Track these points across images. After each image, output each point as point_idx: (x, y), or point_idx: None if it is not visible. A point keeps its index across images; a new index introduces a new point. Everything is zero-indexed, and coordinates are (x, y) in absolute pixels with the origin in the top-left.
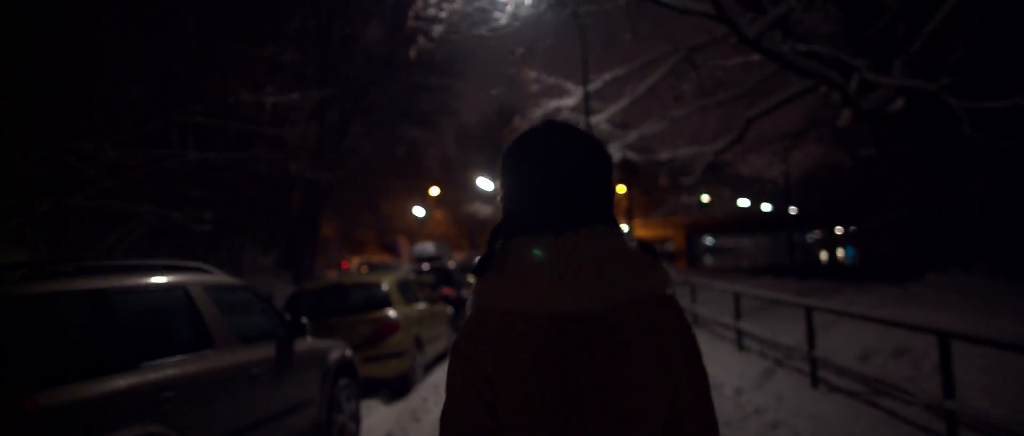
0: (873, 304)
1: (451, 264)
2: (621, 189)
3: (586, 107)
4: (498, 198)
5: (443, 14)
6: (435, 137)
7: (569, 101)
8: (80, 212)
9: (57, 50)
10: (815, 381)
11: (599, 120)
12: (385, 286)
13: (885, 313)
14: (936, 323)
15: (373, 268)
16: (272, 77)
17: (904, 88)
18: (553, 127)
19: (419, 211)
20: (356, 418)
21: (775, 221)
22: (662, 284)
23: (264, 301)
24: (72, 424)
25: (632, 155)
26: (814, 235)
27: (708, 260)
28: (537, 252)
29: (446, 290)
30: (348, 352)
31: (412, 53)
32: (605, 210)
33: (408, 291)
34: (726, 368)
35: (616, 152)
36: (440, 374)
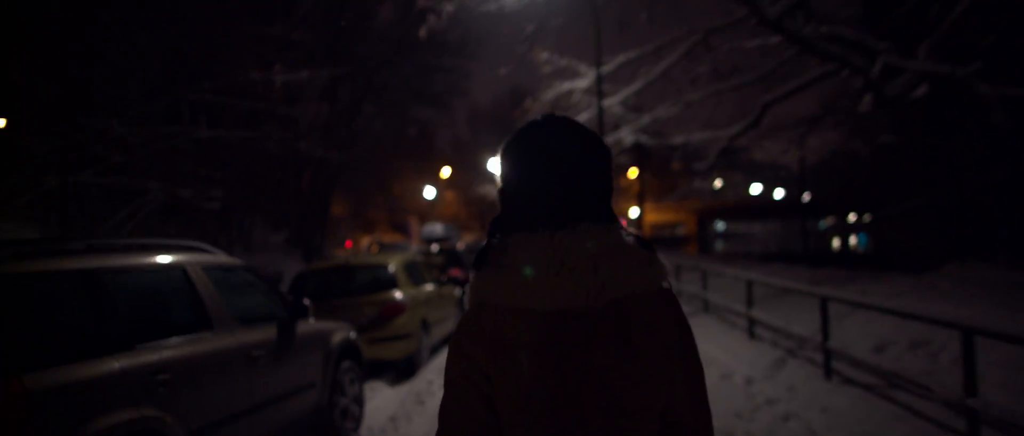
0: (889, 294)
1: (460, 246)
2: (633, 173)
3: (599, 89)
4: (497, 191)
5: None
6: (447, 118)
7: (582, 83)
8: (89, 189)
9: (67, 28)
10: (828, 373)
11: (612, 103)
12: (392, 267)
13: (905, 305)
14: (960, 318)
15: (384, 248)
16: (282, 56)
17: (931, 73)
18: (553, 122)
19: (430, 192)
20: (360, 401)
21: (788, 207)
22: (659, 278)
23: (265, 282)
24: (61, 407)
25: (645, 139)
26: (827, 222)
27: (719, 245)
28: (528, 271)
29: (455, 272)
30: (352, 334)
31: (422, 32)
32: (603, 207)
33: (415, 273)
34: (737, 357)
35: (629, 136)
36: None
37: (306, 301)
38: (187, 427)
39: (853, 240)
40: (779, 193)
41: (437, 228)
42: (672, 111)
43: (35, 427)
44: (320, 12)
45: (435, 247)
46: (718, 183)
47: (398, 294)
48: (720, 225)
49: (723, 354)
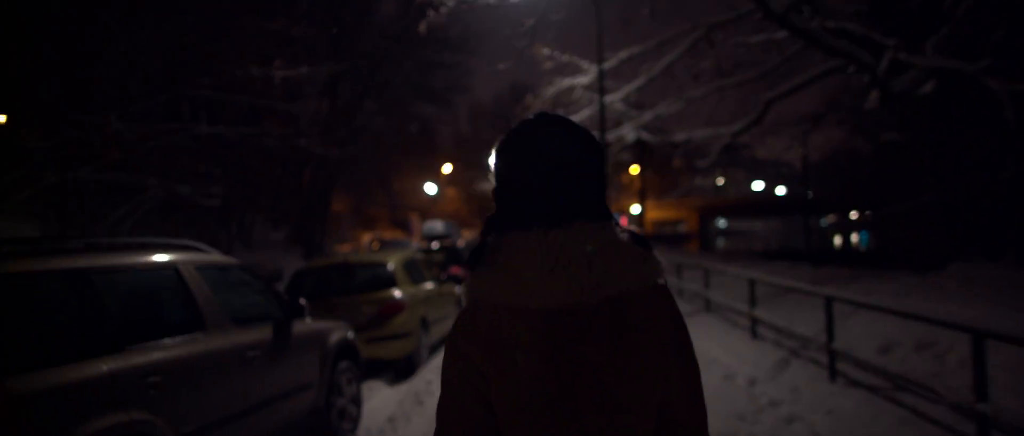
0: (894, 294)
1: (460, 243)
2: (635, 170)
3: (601, 86)
4: (491, 190)
5: None
6: (448, 114)
7: (583, 79)
8: (89, 185)
9: (67, 24)
10: (833, 374)
11: (614, 99)
12: (391, 265)
13: (913, 306)
14: (970, 321)
15: (385, 245)
16: (283, 51)
17: (939, 69)
18: (545, 120)
19: (431, 188)
20: (357, 401)
21: (789, 205)
22: (654, 275)
23: (261, 281)
24: (46, 411)
25: (647, 136)
26: (828, 220)
27: (720, 243)
28: (525, 270)
29: (455, 269)
30: (350, 334)
31: (422, 27)
32: (597, 204)
33: (414, 270)
34: (739, 357)
35: (630, 133)
36: None
37: (302, 300)
38: (178, 430)
39: (854, 238)
40: (781, 190)
41: (437, 225)
42: (674, 108)
43: (18, 432)
44: (322, 7)
45: (436, 244)
46: (720, 180)
47: (397, 292)
48: (721, 222)
49: (725, 354)
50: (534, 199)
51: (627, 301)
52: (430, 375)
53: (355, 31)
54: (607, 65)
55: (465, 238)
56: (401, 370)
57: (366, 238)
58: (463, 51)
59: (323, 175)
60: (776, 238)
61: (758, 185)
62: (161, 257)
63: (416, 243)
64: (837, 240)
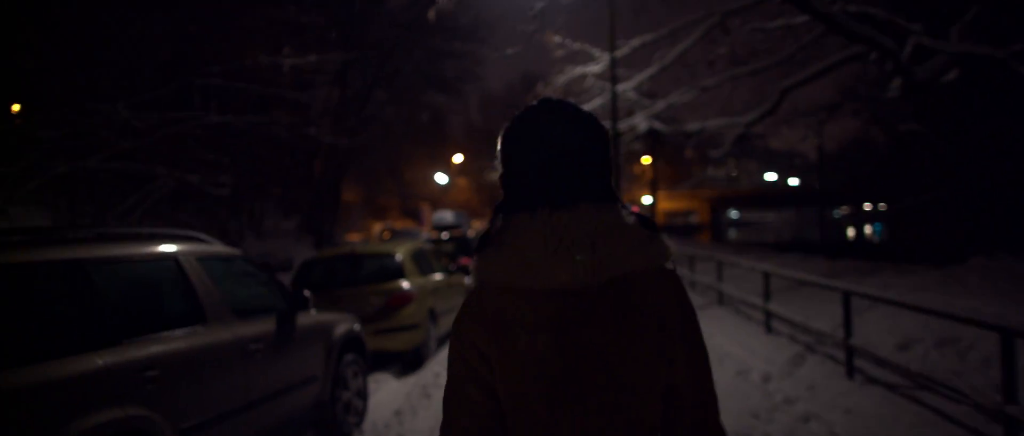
0: (913, 288)
1: (471, 233)
2: (646, 160)
3: (613, 74)
4: (498, 176)
5: None
6: (459, 104)
7: (594, 68)
8: (98, 174)
9: (74, 9)
10: (851, 371)
11: (626, 88)
12: (399, 256)
13: (936, 303)
14: (999, 319)
15: (396, 235)
16: (293, 39)
17: (965, 55)
18: (549, 104)
19: (442, 178)
20: (363, 395)
21: (803, 196)
22: (660, 257)
23: (264, 272)
24: (37, 407)
25: (659, 126)
26: (841, 211)
27: (732, 234)
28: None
29: (465, 260)
30: (355, 326)
31: (431, 14)
32: (602, 186)
33: (423, 261)
34: (753, 352)
35: (643, 122)
36: None
37: (306, 292)
38: (177, 426)
39: (868, 229)
40: (793, 181)
41: (447, 215)
42: (687, 96)
43: (9, 428)
44: None
45: (445, 235)
46: (733, 171)
47: (405, 283)
48: (733, 213)
49: (739, 349)
50: (539, 182)
51: (632, 283)
52: (438, 367)
53: (366, 20)
54: (619, 53)
55: (475, 228)
56: (409, 362)
57: (377, 228)
58: (474, 40)
59: (333, 164)
60: (789, 229)
61: (771, 176)
62: (160, 248)
63: (426, 233)
64: (850, 232)
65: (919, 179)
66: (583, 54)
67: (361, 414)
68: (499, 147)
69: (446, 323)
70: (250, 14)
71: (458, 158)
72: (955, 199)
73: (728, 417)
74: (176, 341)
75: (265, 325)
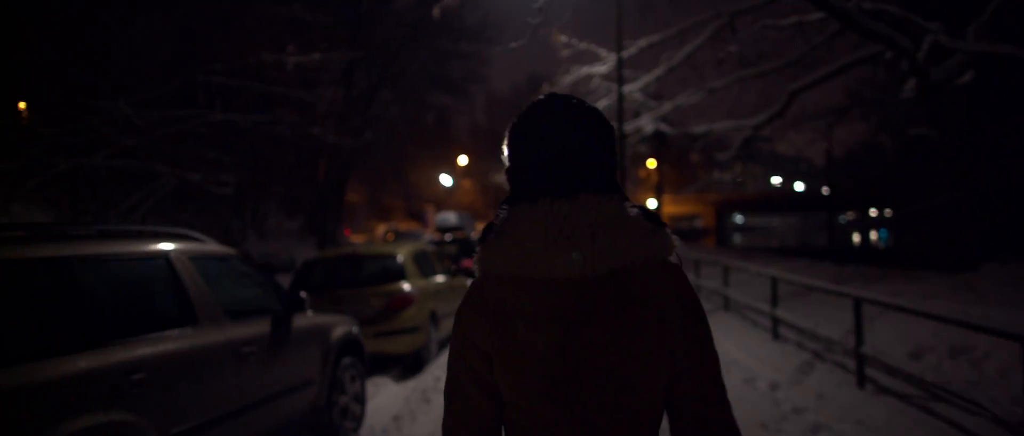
0: (924, 295)
1: (474, 235)
2: (652, 164)
3: (619, 75)
4: (504, 171)
5: None
6: (465, 105)
7: (601, 68)
8: (101, 172)
9: (77, 5)
10: (861, 380)
11: (632, 89)
12: (400, 258)
13: (952, 311)
14: (1019, 327)
15: (400, 236)
16: (299, 38)
17: (984, 55)
18: (554, 98)
19: (446, 180)
20: (361, 399)
21: (809, 201)
22: (663, 250)
23: (260, 272)
24: (13, 411)
25: (665, 128)
26: (847, 217)
27: (737, 239)
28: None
29: (468, 262)
30: (354, 328)
31: (436, 11)
32: (604, 178)
33: (425, 263)
34: (760, 359)
35: (649, 124)
36: None
37: (303, 294)
38: (164, 430)
39: (874, 235)
40: (799, 186)
41: (450, 217)
42: (694, 98)
43: None
44: None
45: (449, 236)
46: (738, 176)
47: (406, 285)
48: (738, 218)
49: (746, 356)
50: (541, 173)
51: (633, 275)
52: (439, 371)
53: (373, 19)
54: (626, 53)
55: (479, 230)
56: (409, 366)
57: (381, 229)
58: (480, 40)
59: (338, 164)
60: (794, 234)
61: (776, 181)
62: (150, 246)
63: (429, 235)
64: (856, 237)
65: (928, 183)
66: (589, 54)
67: (359, 419)
68: (506, 141)
69: (447, 326)
70: (252, 12)
71: (463, 160)
72: (966, 204)
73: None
74: (165, 343)
75: (259, 327)
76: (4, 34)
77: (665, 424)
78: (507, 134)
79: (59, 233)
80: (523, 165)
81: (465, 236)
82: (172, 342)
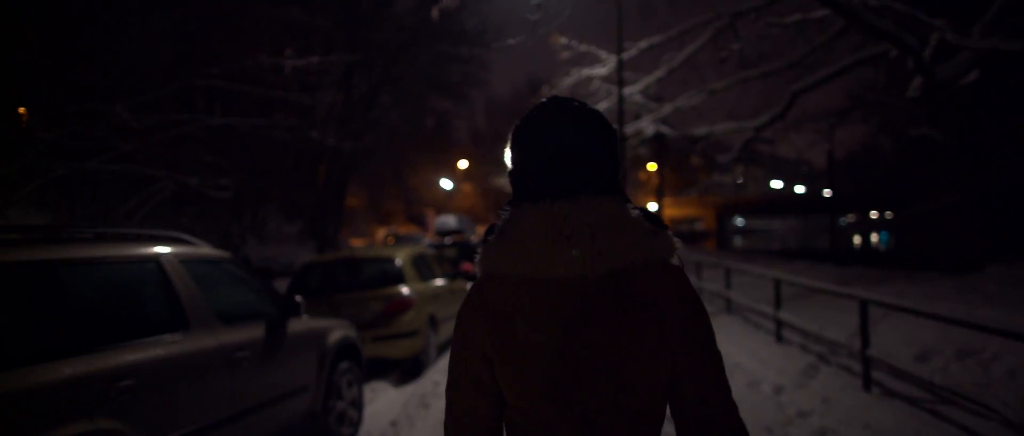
0: (929, 297)
1: (474, 238)
2: (652, 167)
3: (619, 77)
4: (507, 174)
5: None
6: (465, 109)
7: (601, 70)
8: (99, 176)
9: (75, 9)
10: (867, 383)
11: (632, 91)
12: (399, 261)
13: (960, 312)
14: None
15: (400, 240)
16: (298, 41)
17: (991, 52)
18: (554, 101)
19: (447, 183)
20: (358, 405)
21: (810, 203)
22: (664, 252)
23: (255, 276)
24: None
25: (666, 130)
26: (847, 219)
27: (737, 241)
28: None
29: (467, 266)
30: (351, 332)
31: (434, 12)
32: (606, 179)
33: (424, 266)
34: (764, 362)
35: (649, 126)
36: None
37: (298, 297)
38: None
39: (874, 238)
40: (800, 189)
41: (450, 220)
42: (695, 100)
43: None
44: None
45: (449, 240)
46: (739, 178)
47: (405, 289)
48: (738, 221)
49: (749, 359)
50: (543, 175)
51: (633, 276)
52: (438, 376)
53: (372, 23)
54: (627, 55)
55: (479, 234)
56: (407, 370)
57: (381, 233)
58: (479, 44)
59: (338, 168)
60: (794, 237)
61: (777, 184)
62: (140, 249)
63: (429, 238)
64: (856, 239)
65: (929, 185)
66: (590, 56)
67: (355, 425)
68: (509, 145)
69: (447, 330)
70: (250, 14)
71: (463, 164)
72: (968, 205)
73: None
74: (154, 348)
75: (253, 332)
76: (4, 34)
77: (672, 428)
78: (510, 136)
79: (45, 236)
80: (525, 167)
81: (465, 239)
82: (162, 347)
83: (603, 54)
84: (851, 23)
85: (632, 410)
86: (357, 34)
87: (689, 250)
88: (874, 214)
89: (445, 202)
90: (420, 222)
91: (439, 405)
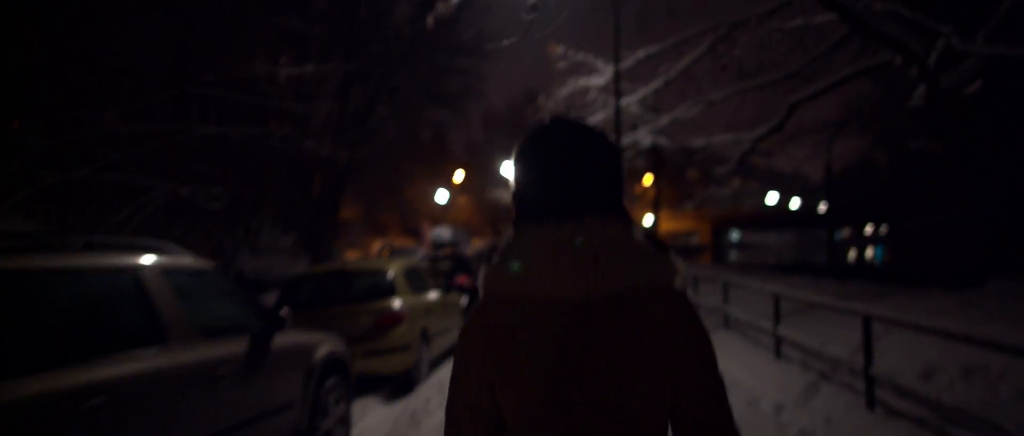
0: (931, 312)
1: (469, 251)
2: (648, 180)
3: (616, 88)
4: (511, 194)
5: None
6: (461, 120)
7: (598, 80)
8: (90, 185)
9: (68, 14)
10: (871, 402)
11: (629, 102)
12: (391, 274)
13: (969, 329)
14: None
15: (396, 252)
16: (294, 50)
17: (997, 58)
18: (559, 122)
19: (443, 196)
20: (346, 422)
21: (805, 217)
22: (667, 275)
23: (239, 289)
24: None
25: (663, 141)
26: (843, 233)
27: (733, 255)
28: (515, 265)
29: (462, 279)
30: (339, 347)
31: (430, 20)
32: (610, 201)
33: (416, 279)
34: (763, 379)
35: (646, 137)
36: (447, 370)
37: (284, 311)
38: None
39: (869, 252)
40: (796, 203)
41: (445, 232)
42: (693, 111)
43: None
44: (337, 8)
45: (445, 251)
46: (735, 189)
47: (396, 302)
48: (734, 235)
49: (748, 376)
50: (546, 196)
51: (635, 299)
52: (429, 393)
53: (369, 33)
54: (624, 64)
55: (474, 247)
56: (398, 386)
57: (376, 245)
58: (476, 55)
59: (333, 179)
60: (790, 251)
61: (773, 197)
62: (116, 259)
63: (423, 250)
64: (852, 254)
65: (926, 198)
66: (586, 66)
67: None
68: (512, 164)
69: (439, 345)
70: (248, 22)
71: (459, 176)
72: (967, 218)
73: None
74: (129, 363)
75: (236, 346)
76: (4, 34)
77: None
78: (514, 153)
79: (13, 245)
80: (528, 188)
81: (459, 252)
82: (137, 362)
83: (600, 64)
84: (856, 29)
85: (633, 432)
86: (353, 44)
87: (685, 265)
88: (869, 229)
89: (441, 214)
90: (416, 234)
91: (430, 423)
